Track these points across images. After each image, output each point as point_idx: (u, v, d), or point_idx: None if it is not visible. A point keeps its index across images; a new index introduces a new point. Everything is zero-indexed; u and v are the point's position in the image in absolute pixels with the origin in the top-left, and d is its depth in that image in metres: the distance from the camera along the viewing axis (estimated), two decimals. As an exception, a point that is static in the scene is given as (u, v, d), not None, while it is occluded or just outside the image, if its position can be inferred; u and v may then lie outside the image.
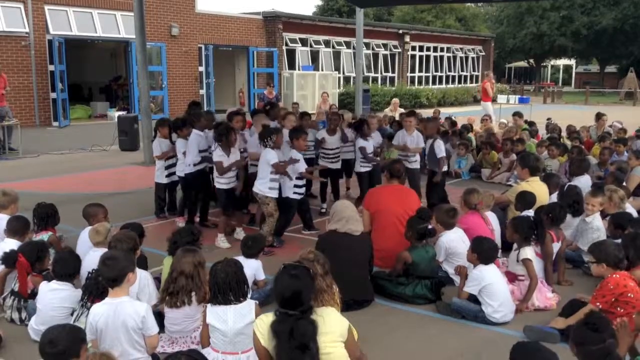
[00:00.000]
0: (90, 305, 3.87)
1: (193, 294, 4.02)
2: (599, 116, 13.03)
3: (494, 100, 25.94)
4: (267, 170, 6.31)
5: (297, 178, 6.53)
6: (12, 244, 4.92)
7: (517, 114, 13.65)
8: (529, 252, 4.95)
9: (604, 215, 6.11)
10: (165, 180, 7.58)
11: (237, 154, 6.66)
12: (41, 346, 3.06)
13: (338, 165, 8.13)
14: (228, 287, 3.61)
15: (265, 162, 6.32)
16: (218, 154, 6.42)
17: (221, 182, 6.52)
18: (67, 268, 4.33)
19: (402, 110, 16.26)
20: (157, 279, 4.72)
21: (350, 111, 12.54)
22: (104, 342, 3.52)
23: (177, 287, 4.01)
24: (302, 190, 6.72)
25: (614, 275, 4.20)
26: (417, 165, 7.97)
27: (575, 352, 3.08)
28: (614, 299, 4.15)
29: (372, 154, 7.92)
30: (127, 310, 3.52)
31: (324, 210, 7.93)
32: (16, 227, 5.14)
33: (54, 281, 4.31)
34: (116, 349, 3.48)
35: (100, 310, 3.56)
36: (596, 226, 5.86)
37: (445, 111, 18.57)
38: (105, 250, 4.72)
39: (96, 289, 3.93)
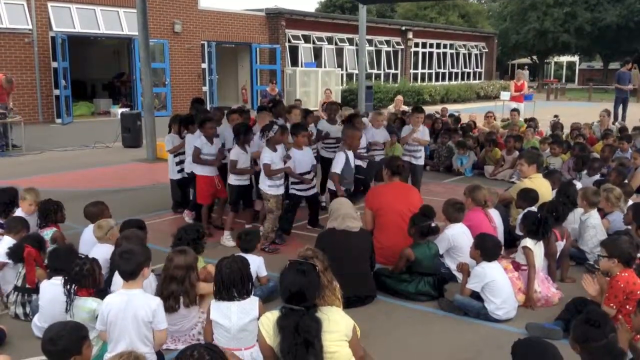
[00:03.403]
0: (75, 295, 3.86)
1: (181, 298, 4.03)
2: (622, 131, 12.07)
3: (496, 97, 25.99)
4: None
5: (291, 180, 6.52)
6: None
7: (515, 111, 13.71)
8: (529, 241, 4.99)
9: (603, 214, 6.11)
10: (177, 176, 7.59)
11: (255, 149, 6.65)
12: (43, 344, 3.08)
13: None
14: (232, 283, 3.62)
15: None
16: (235, 152, 6.48)
17: (233, 178, 6.56)
18: (59, 261, 4.33)
19: (406, 108, 16.23)
20: (160, 276, 4.72)
21: (352, 108, 12.54)
22: (113, 333, 3.53)
23: (167, 292, 4.02)
24: (301, 186, 6.64)
25: (623, 274, 4.17)
26: (422, 162, 8.13)
27: (579, 350, 3.07)
28: (625, 297, 4.13)
29: (365, 150, 7.91)
30: (139, 302, 3.55)
31: (324, 204, 7.92)
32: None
33: (53, 277, 4.33)
34: (124, 341, 3.50)
35: (112, 301, 3.58)
36: (592, 224, 5.85)
37: (448, 108, 18.47)
38: (108, 245, 4.77)
39: (72, 280, 3.88)
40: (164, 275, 4.10)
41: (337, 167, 6.53)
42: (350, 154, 6.71)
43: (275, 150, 6.33)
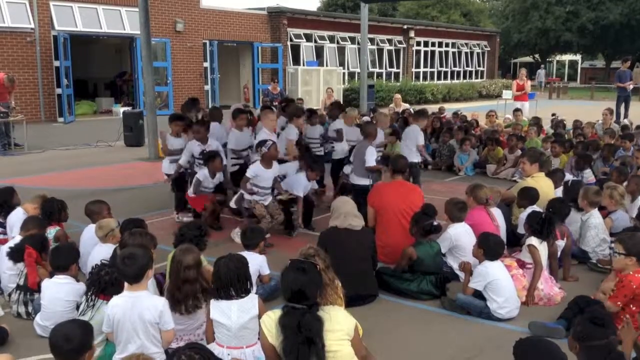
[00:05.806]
0: (95, 301, 3.87)
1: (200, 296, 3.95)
2: (632, 138, 12.08)
3: (498, 96, 25.94)
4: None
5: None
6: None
7: (518, 111, 13.72)
8: (534, 240, 5.00)
9: (607, 213, 6.08)
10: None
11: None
12: (55, 343, 2.97)
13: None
14: (229, 282, 3.60)
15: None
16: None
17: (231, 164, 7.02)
18: (60, 258, 4.35)
19: (407, 105, 16.20)
20: (161, 275, 4.72)
21: (355, 107, 12.51)
22: (121, 335, 3.53)
23: (182, 295, 3.92)
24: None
25: (637, 275, 4.14)
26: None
27: (577, 349, 3.05)
28: (632, 297, 4.12)
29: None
30: (144, 303, 3.54)
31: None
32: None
33: (55, 276, 4.35)
34: (134, 343, 3.50)
35: (118, 303, 3.57)
36: (593, 224, 5.82)
37: (450, 107, 18.49)
38: (109, 245, 4.76)
39: (98, 285, 3.90)
40: (174, 279, 3.96)
41: (371, 160, 6.76)
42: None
43: (268, 167, 6.34)
